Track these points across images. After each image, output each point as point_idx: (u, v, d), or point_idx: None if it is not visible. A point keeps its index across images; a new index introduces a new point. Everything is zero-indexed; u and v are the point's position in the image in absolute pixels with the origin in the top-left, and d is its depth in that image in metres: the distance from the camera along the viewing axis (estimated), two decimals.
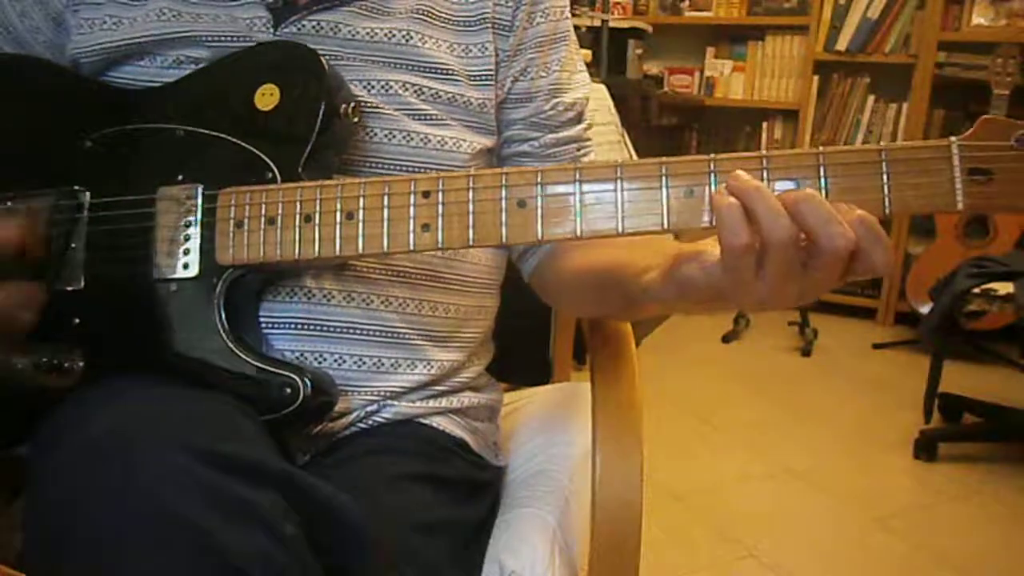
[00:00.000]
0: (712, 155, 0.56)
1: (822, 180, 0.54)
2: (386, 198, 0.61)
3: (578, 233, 0.58)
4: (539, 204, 0.58)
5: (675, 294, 0.59)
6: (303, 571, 0.51)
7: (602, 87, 2.34)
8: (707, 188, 0.55)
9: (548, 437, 0.92)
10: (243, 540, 0.48)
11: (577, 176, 0.58)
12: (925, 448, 2.19)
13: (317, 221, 0.63)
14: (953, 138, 0.53)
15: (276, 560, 0.49)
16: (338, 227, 0.62)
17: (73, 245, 0.69)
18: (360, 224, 0.62)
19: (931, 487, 2.07)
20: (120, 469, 0.50)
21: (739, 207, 0.52)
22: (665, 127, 3.33)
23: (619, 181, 0.57)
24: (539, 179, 0.58)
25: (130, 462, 0.50)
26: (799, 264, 0.52)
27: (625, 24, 3.31)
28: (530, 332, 1.14)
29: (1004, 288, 2.04)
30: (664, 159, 0.56)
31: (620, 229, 0.57)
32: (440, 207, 0.60)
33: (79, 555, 0.49)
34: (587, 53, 2.79)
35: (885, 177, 0.54)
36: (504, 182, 0.59)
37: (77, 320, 0.68)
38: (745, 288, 0.53)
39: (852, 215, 0.51)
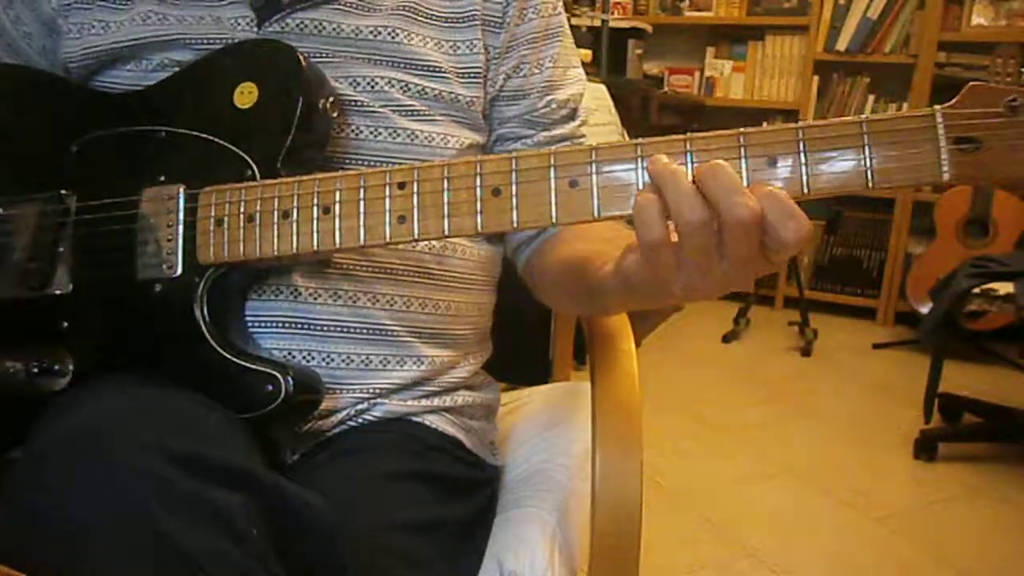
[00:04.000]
0: (687, 135, 0.54)
1: (802, 155, 0.53)
2: (362, 191, 0.61)
3: (554, 219, 0.57)
4: (514, 192, 0.57)
5: (621, 286, 0.59)
6: (267, 572, 0.51)
7: (602, 87, 2.35)
8: (684, 168, 0.53)
9: (547, 437, 0.92)
10: (203, 540, 0.48)
11: (552, 161, 0.57)
12: (925, 448, 2.19)
13: (295, 217, 0.62)
14: (938, 106, 0.51)
15: (236, 561, 0.49)
16: (315, 222, 0.62)
17: (60, 249, 0.69)
18: (337, 218, 0.62)
19: (931, 487, 2.07)
20: (86, 466, 0.51)
21: (656, 201, 0.51)
22: (665, 127, 3.32)
23: (594, 164, 0.56)
24: (513, 166, 0.58)
25: (95, 460, 0.51)
26: (715, 249, 0.51)
27: (625, 24, 3.31)
28: (530, 332, 1.14)
29: (1004, 288, 2.04)
30: (639, 140, 0.55)
31: (596, 214, 0.56)
32: (415, 198, 0.60)
33: (41, 546, 0.49)
34: (587, 53, 2.80)
35: (867, 150, 0.52)
36: (479, 170, 0.58)
37: (66, 323, 0.68)
38: (665, 281, 0.53)
39: (762, 189, 0.50)
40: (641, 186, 0.55)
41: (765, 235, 0.50)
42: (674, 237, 0.52)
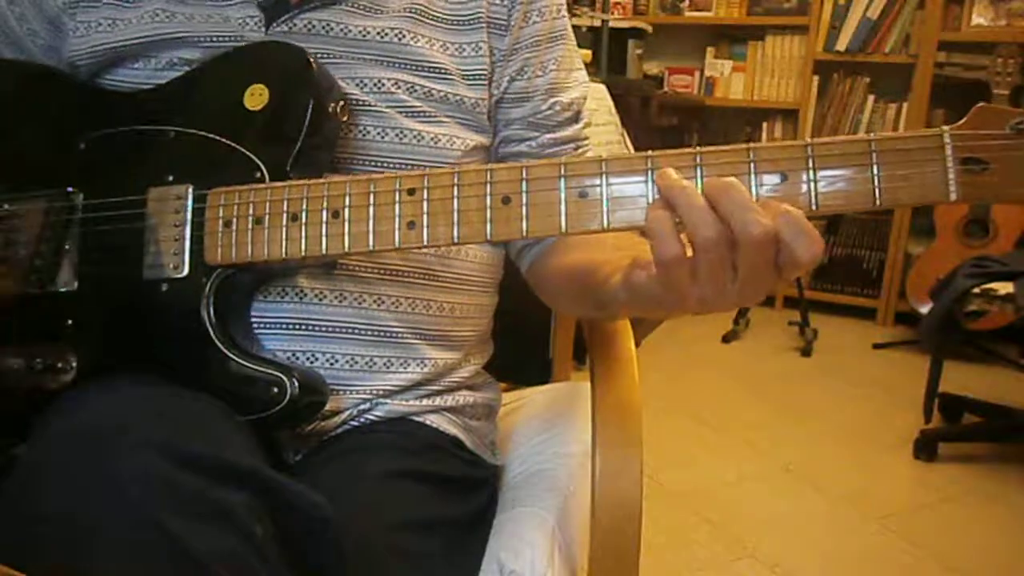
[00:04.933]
0: (697, 148, 0.55)
1: (810, 172, 0.53)
2: (372, 196, 0.61)
3: (563, 229, 0.57)
4: (524, 200, 0.58)
5: (628, 299, 0.59)
6: (271, 572, 0.51)
7: (602, 87, 2.34)
8: (694, 181, 0.54)
9: (548, 437, 0.92)
10: (207, 539, 0.49)
11: (562, 171, 0.57)
12: (925, 448, 2.19)
13: (304, 220, 0.63)
14: (945, 127, 0.52)
15: (242, 559, 0.49)
16: (324, 226, 0.62)
17: (67, 247, 0.69)
18: (346, 223, 0.62)
19: (931, 487, 2.07)
20: (88, 466, 0.51)
21: (669, 218, 0.52)
22: (665, 127, 3.32)
23: (604, 176, 0.56)
24: (524, 175, 0.58)
25: (98, 460, 0.51)
26: (730, 263, 0.52)
27: (625, 24, 3.31)
28: (530, 332, 1.14)
29: (1004, 288, 2.04)
30: (650, 153, 0.56)
31: (605, 224, 0.56)
32: (425, 204, 0.60)
33: (44, 546, 0.49)
34: (587, 53, 2.80)
35: (875, 168, 0.52)
36: (489, 178, 0.59)
37: (71, 321, 0.68)
38: (681, 296, 0.53)
39: (777, 208, 0.51)
40: (651, 199, 0.55)
41: (779, 253, 0.51)
42: (688, 252, 0.52)
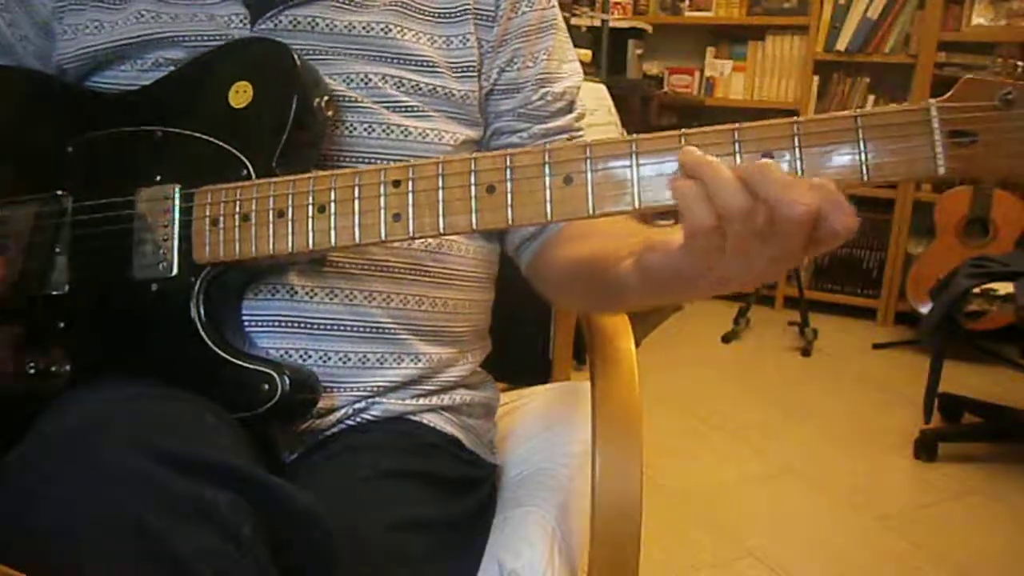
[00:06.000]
0: (682, 130, 0.54)
1: (797, 150, 0.53)
2: (357, 189, 0.61)
3: (548, 216, 0.57)
4: (508, 189, 0.58)
5: (638, 283, 0.59)
6: (259, 572, 0.50)
7: (602, 87, 2.34)
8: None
9: (547, 436, 0.92)
10: (194, 539, 0.48)
11: (546, 159, 0.57)
12: (925, 448, 2.19)
13: (290, 216, 0.63)
14: (932, 100, 0.51)
15: (228, 560, 0.49)
16: (310, 221, 0.62)
17: (57, 250, 0.69)
18: (332, 217, 0.62)
19: (931, 487, 2.07)
20: (76, 466, 0.51)
21: (697, 186, 0.51)
22: (665, 127, 3.32)
23: (589, 161, 0.56)
24: (508, 163, 0.58)
25: (86, 460, 0.51)
26: (759, 237, 0.51)
27: (625, 24, 3.32)
28: (530, 331, 1.14)
29: (1004, 288, 2.04)
30: (634, 136, 0.55)
31: (591, 211, 0.56)
32: (411, 196, 0.60)
33: (32, 546, 0.49)
34: (587, 53, 2.79)
35: (862, 144, 0.52)
36: (473, 167, 0.58)
37: (63, 324, 0.69)
38: (709, 268, 0.53)
39: (807, 182, 0.50)
40: (636, 183, 0.55)
41: (817, 228, 0.50)
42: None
